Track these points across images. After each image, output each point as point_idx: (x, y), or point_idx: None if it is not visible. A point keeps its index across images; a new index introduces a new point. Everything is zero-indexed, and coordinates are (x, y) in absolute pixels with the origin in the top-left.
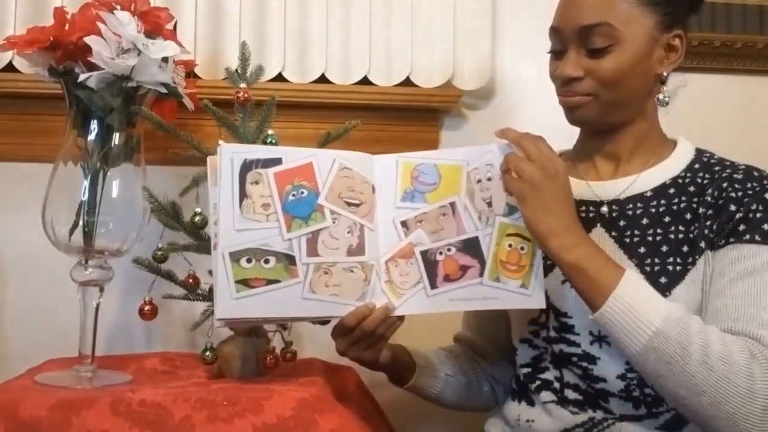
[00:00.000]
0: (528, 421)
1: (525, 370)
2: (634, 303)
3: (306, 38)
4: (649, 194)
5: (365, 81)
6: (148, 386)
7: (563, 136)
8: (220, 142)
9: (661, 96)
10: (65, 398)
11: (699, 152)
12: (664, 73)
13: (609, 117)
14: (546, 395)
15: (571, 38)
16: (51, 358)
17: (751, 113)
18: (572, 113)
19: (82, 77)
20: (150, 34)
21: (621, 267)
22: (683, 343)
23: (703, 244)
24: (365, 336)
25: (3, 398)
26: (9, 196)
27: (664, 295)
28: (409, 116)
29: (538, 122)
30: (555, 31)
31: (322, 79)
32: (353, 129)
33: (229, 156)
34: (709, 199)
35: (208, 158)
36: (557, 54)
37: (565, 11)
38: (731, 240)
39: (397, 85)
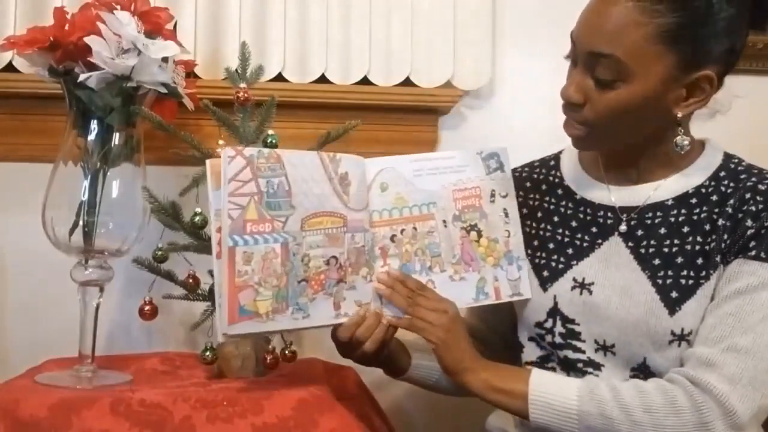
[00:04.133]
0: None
1: (530, 368)
2: (548, 397)
3: (306, 38)
4: (670, 203)
5: (365, 81)
6: (148, 386)
7: (563, 136)
8: (220, 142)
9: (679, 140)
10: (65, 398)
11: (727, 158)
12: (679, 114)
13: (611, 147)
14: None
15: (581, 57)
16: (51, 357)
17: (752, 113)
18: (572, 141)
19: (82, 77)
20: (150, 34)
21: (527, 371)
22: (604, 413)
23: (718, 258)
24: (362, 342)
25: (3, 398)
26: (9, 196)
27: (674, 311)
28: (408, 116)
29: (538, 122)
30: (571, 40)
31: (322, 79)
32: (353, 129)
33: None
34: (729, 210)
35: (208, 162)
36: (573, 61)
37: (582, 26)
38: (739, 256)
39: (397, 85)
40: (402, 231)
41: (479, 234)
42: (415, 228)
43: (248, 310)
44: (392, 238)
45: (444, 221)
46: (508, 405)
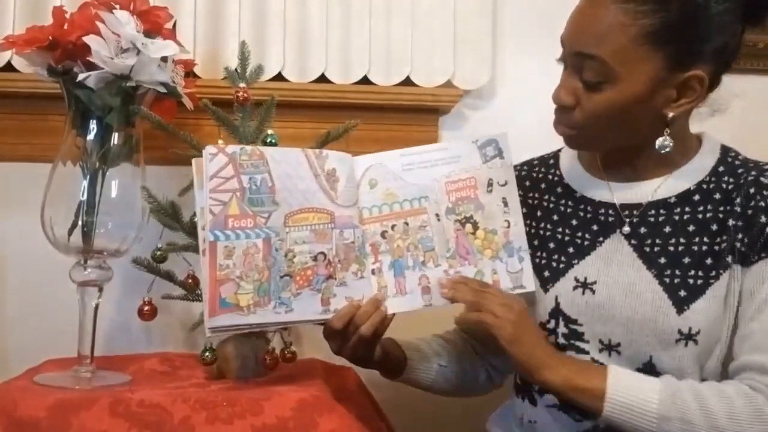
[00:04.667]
0: (531, 421)
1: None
2: (628, 399)
3: (306, 38)
4: (672, 200)
5: (365, 81)
6: (147, 387)
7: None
8: (220, 141)
9: (660, 141)
10: (64, 399)
11: (724, 151)
12: (670, 115)
13: (604, 147)
14: (549, 398)
15: (569, 59)
16: (50, 358)
17: (752, 113)
18: (564, 140)
19: (81, 77)
20: (149, 34)
21: (603, 367)
22: (685, 419)
23: (729, 259)
24: (355, 331)
25: (2, 398)
26: (8, 196)
27: (683, 310)
28: (409, 116)
29: (538, 121)
30: (561, 42)
31: (322, 79)
32: (353, 129)
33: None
34: (738, 209)
35: (194, 161)
36: (564, 65)
37: (568, 27)
38: (763, 255)
39: (397, 85)
40: (393, 227)
41: (475, 226)
42: (406, 223)
43: (229, 303)
44: (383, 235)
45: (437, 215)
46: (583, 401)
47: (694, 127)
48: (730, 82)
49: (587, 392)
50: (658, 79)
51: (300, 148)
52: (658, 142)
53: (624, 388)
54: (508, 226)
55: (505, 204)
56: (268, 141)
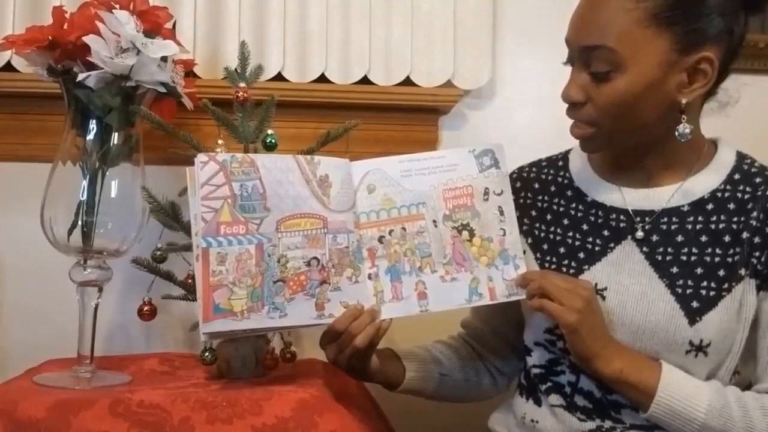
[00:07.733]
0: (533, 421)
1: (537, 371)
2: (675, 403)
3: (306, 38)
4: (686, 209)
5: (365, 81)
6: (147, 387)
7: (564, 135)
8: (219, 141)
9: (680, 128)
10: (64, 399)
11: (740, 157)
12: (683, 101)
13: (620, 145)
14: (554, 398)
15: (575, 56)
16: (50, 358)
17: (752, 113)
18: (580, 143)
19: (80, 77)
20: (149, 34)
21: (657, 364)
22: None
23: (743, 271)
24: (352, 340)
25: (1, 399)
26: (8, 196)
27: (695, 321)
28: (409, 116)
29: (538, 121)
30: (566, 43)
31: (322, 79)
32: (353, 129)
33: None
34: (754, 223)
35: (187, 169)
36: (571, 65)
37: (572, 25)
38: None
39: (397, 85)
40: (390, 232)
41: (471, 233)
42: (404, 229)
43: (223, 309)
44: (380, 240)
45: (434, 221)
46: (631, 395)
47: (702, 123)
48: (729, 80)
49: (637, 389)
50: (666, 62)
51: (291, 155)
52: (679, 129)
53: (674, 392)
54: (504, 235)
55: (501, 213)
56: (268, 141)
